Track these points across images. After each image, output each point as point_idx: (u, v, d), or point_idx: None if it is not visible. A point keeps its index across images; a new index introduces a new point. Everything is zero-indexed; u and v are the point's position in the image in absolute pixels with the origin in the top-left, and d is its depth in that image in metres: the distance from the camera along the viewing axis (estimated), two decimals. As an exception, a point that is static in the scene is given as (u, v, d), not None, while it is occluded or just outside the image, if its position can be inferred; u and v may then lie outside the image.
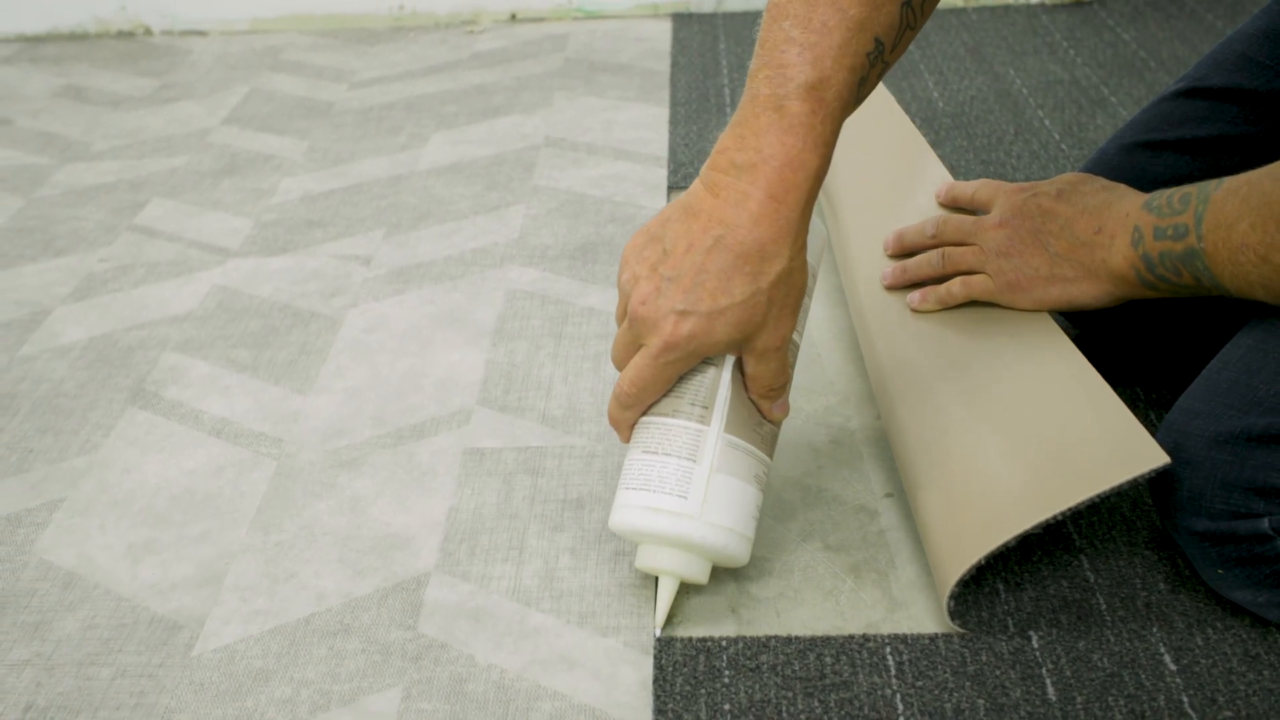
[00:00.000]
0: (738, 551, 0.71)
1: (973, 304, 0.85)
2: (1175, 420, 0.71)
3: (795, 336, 0.74)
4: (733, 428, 0.71)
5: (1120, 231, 0.76)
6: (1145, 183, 0.87)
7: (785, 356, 0.70)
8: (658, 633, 0.71)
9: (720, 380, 0.71)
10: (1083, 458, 0.70)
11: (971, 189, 0.88)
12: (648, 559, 0.72)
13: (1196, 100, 0.87)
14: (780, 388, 0.71)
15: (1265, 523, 0.66)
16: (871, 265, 0.93)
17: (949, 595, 0.68)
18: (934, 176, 0.99)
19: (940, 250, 0.86)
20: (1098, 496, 0.66)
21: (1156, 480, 0.70)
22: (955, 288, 0.84)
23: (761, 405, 0.72)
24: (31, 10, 1.82)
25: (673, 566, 0.71)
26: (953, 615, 0.70)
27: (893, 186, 1.02)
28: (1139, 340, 0.88)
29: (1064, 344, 0.79)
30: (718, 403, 0.71)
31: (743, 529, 0.71)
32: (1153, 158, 0.87)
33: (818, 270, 0.76)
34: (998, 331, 0.82)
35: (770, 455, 0.74)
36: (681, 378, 0.71)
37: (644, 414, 0.72)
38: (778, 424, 0.74)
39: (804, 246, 0.68)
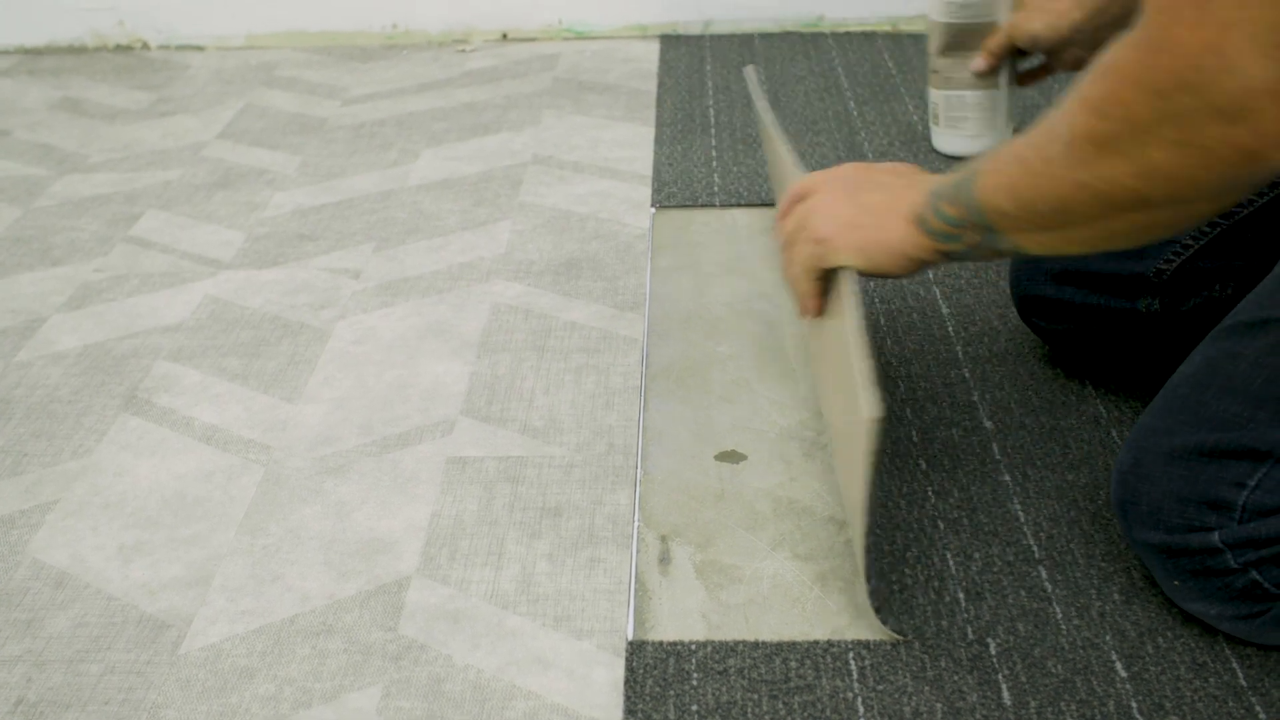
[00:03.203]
0: None
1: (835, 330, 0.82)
2: (1136, 437, 0.74)
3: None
4: None
5: (925, 183, 0.75)
6: None
7: None
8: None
9: None
10: (855, 448, 0.70)
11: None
12: None
13: None
14: None
15: (1216, 536, 0.68)
16: None
17: (871, 605, 0.72)
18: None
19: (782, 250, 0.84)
20: (868, 490, 0.68)
21: (1120, 495, 0.73)
22: (793, 273, 0.82)
23: None
24: (30, 24, 1.85)
25: None
26: (879, 612, 0.73)
27: None
28: (1112, 353, 0.92)
29: (851, 328, 0.76)
30: None
31: None
32: None
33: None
34: (829, 343, 0.82)
35: None
36: None
37: None
38: None
39: None
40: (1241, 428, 0.68)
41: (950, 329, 1.02)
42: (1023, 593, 0.76)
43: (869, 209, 0.77)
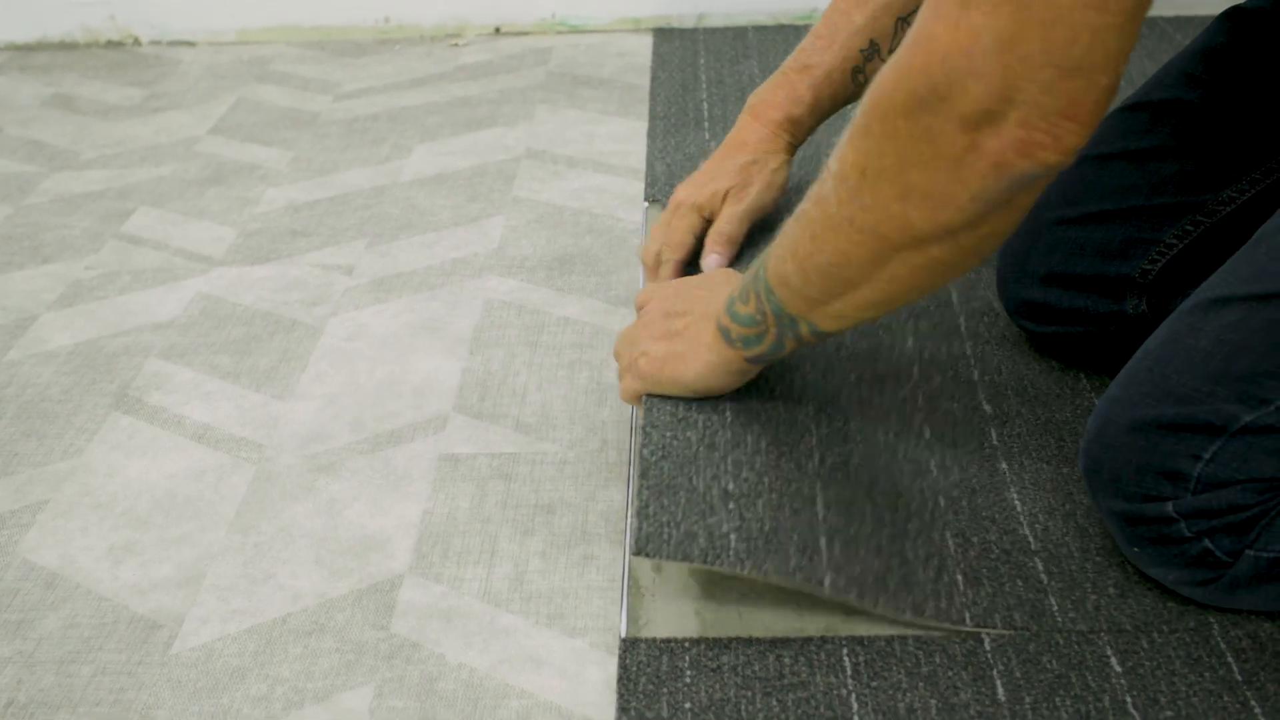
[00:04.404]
0: None
1: None
2: (1102, 407, 0.74)
3: None
4: None
5: (727, 290, 0.75)
6: (1095, 192, 0.90)
7: None
8: None
9: None
10: None
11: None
12: None
13: (1140, 114, 0.91)
14: None
15: (1169, 506, 0.70)
16: None
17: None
18: None
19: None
20: None
21: (1085, 464, 0.74)
22: (625, 397, 0.82)
23: None
24: (21, 19, 1.84)
25: None
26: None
27: None
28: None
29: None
30: None
31: None
32: (1100, 169, 0.90)
33: None
34: None
35: None
36: None
37: None
38: None
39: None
40: (1200, 402, 0.69)
41: (954, 296, 1.03)
42: (1019, 583, 0.75)
43: (682, 336, 0.78)
